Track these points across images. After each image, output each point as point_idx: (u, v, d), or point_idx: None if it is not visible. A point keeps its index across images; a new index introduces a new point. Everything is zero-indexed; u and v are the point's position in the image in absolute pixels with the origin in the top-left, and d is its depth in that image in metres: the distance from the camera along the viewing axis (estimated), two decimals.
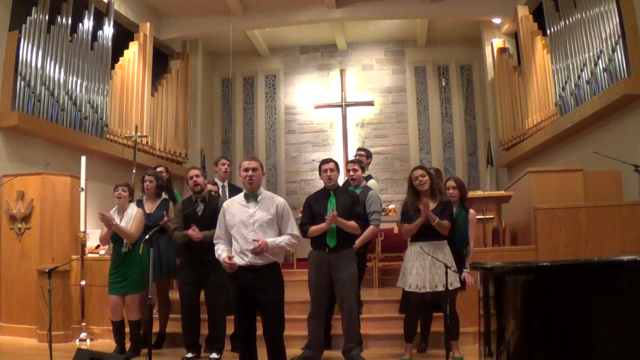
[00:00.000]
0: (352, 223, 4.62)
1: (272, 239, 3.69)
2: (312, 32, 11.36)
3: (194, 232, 4.73)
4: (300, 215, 4.90)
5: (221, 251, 3.79)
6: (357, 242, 4.89)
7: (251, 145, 12.05)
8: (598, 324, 2.31)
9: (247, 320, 3.74)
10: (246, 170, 3.80)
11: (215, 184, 5.65)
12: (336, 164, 4.85)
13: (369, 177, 5.82)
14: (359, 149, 6.34)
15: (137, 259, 4.96)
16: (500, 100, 9.85)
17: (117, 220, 4.98)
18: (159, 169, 5.95)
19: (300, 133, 11.86)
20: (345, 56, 11.93)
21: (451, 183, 4.94)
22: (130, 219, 5.01)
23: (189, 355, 4.83)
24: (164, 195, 5.59)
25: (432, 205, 4.59)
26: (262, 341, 3.71)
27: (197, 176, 4.98)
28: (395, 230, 6.83)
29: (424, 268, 4.48)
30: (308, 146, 11.77)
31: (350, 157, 11.34)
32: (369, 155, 6.08)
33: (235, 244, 3.75)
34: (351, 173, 5.23)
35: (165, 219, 5.03)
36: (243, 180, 3.82)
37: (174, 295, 6.07)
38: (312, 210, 4.76)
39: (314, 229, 4.64)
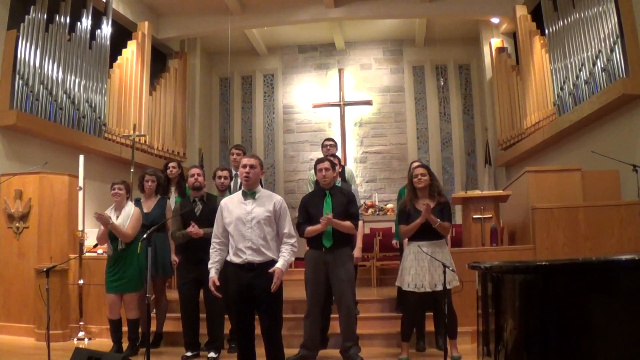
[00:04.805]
0: (347, 223, 4.64)
1: (281, 263, 3.69)
2: (311, 31, 11.36)
3: (193, 229, 4.73)
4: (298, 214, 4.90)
5: (212, 264, 3.78)
6: (356, 251, 4.95)
7: (249, 145, 12.03)
8: (596, 323, 2.31)
9: (246, 319, 3.73)
10: (244, 166, 3.81)
11: (229, 170, 5.59)
12: (332, 162, 4.82)
13: (342, 167, 5.71)
14: (327, 139, 6.15)
15: (135, 258, 4.95)
16: (498, 100, 9.85)
17: (114, 217, 4.97)
18: (170, 164, 5.98)
19: (298, 132, 11.86)
20: (344, 55, 11.93)
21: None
22: (127, 216, 4.99)
23: (188, 354, 4.83)
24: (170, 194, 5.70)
25: (430, 205, 4.59)
26: (261, 340, 3.70)
27: (198, 175, 5.01)
28: (393, 230, 6.81)
29: (422, 268, 4.48)
30: (306, 145, 11.76)
31: (351, 155, 11.45)
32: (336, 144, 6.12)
33: (232, 240, 3.74)
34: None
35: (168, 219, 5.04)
36: (240, 176, 3.83)
37: (172, 294, 6.07)
38: (307, 211, 4.76)
39: (310, 229, 4.65)
